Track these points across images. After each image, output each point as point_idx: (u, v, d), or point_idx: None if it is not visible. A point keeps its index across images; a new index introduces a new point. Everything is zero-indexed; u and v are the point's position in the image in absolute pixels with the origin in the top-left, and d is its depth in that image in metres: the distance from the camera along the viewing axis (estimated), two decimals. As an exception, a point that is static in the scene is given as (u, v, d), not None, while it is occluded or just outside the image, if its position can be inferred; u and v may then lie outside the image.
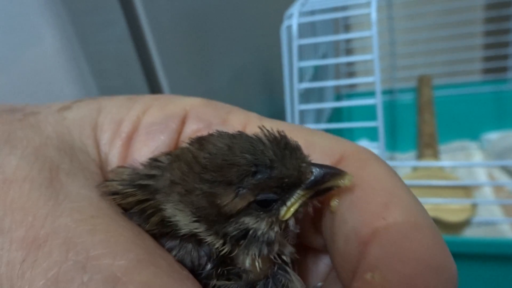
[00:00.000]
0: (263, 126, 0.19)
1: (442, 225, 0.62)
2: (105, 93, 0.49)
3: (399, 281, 0.15)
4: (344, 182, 0.18)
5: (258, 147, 0.18)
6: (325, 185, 0.18)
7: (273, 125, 0.20)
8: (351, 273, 0.17)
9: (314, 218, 0.21)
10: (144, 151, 0.22)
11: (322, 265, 0.22)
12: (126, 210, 0.19)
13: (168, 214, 0.19)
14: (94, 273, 0.15)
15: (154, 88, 0.56)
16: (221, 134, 0.19)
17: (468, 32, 0.99)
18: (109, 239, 0.16)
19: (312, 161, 0.19)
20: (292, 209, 0.19)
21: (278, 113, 0.82)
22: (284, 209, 0.19)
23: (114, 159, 0.22)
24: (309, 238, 0.22)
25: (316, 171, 0.18)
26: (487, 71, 1.06)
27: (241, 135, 0.19)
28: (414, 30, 1.03)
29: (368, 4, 0.51)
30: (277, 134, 0.19)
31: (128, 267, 0.15)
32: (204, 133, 0.21)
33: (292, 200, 0.19)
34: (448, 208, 0.61)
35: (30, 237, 0.16)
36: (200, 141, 0.19)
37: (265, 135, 0.19)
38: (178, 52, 0.60)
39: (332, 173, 0.18)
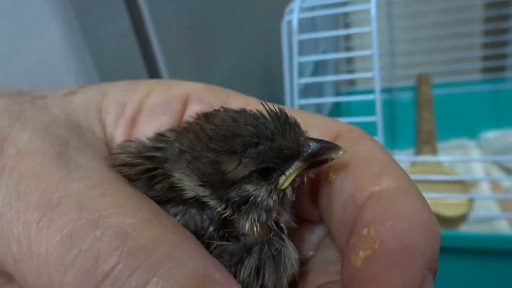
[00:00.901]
0: (265, 102, 0.21)
1: (440, 219, 0.63)
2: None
3: (393, 234, 0.17)
4: (337, 155, 0.20)
5: (260, 121, 0.20)
6: (320, 157, 0.20)
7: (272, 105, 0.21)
8: (346, 235, 0.19)
9: (310, 192, 0.22)
10: (148, 130, 0.23)
11: (314, 236, 0.24)
12: (131, 180, 0.20)
13: (175, 180, 0.20)
14: (106, 229, 0.16)
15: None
16: (226, 110, 0.21)
17: (467, 31, 1.00)
18: (118, 201, 0.17)
19: (309, 136, 0.21)
20: (290, 179, 0.20)
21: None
22: (282, 178, 0.20)
23: (119, 138, 0.23)
24: (305, 210, 0.23)
25: (313, 144, 0.20)
26: (485, 70, 1.06)
27: (244, 111, 0.21)
28: (413, 29, 1.04)
29: (368, 0, 0.52)
30: (278, 111, 0.20)
31: (137, 225, 0.17)
32: None
33: (290, 170, 0.20)
34: (446, 203, 0.61)
35: (45, 200, 0.17)
36: (206, 115, 0.21)
37: (267, 111, 0.20)
38: (180, 47, 0.60)
39: (328, 146, 0.20)
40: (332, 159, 0.20)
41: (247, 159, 0.19)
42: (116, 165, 0.21)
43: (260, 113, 0.20)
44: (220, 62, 0.69)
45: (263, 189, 0.20)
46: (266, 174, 0.20)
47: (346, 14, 1.07)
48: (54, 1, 0.45)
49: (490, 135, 0.98)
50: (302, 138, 0.20)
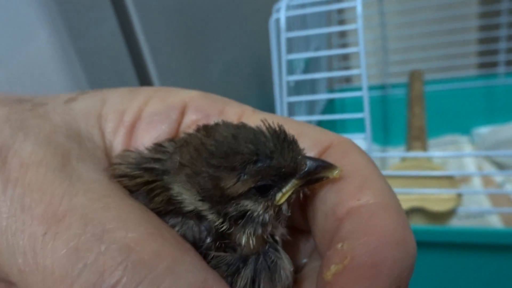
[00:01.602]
0: (265, 119, 0.21)
1: (428, 215, 0.63)
2: (96, 87, 0.49)
3: (364, 250, 0.17)
4: (333, 174, 0.20)
5: (260, 139, 0.20)
6: (316, 175, 0.21)
7: (266, 117, 0.22)
8: (327, 246, 0.19)
9: (301, 204, 0.23)
10: (146, 139, 0.24)
11: (309, 244, 0.24)
12: (131, 191, 0.21)
13: (175, 193, 0.20)
14: (110, 243, 0.17)
15: (144, 83, 0.57)
16: (226, 124, 0.21)
17: (459, 27, 1.00)
18: (121, 215, 0.18)
19: (307, 155, 0.21)
20: (287, 195, 0.21)
21: (269, 106, 0.83)
22: (279, 195, 0.21)
23: (118, 146, 0.24)
24: (297, 220, 0.24)
25: (309, 163, 0.21)
26: (478, 66, 1.07)
27: (244, 126, 0.21)
28: (406, 25, 1.04)
29: (355, -3, 0.52)
30: (277, 128, 0.21)
31: (140, 239, 0.17)
32: (203, 123, 0.23)
33: (287, 187, 0.21)
34: (434, 198, 0.62)
35: (50, 213, 0.17)
36: (207, 129, 0.21)
37: (267, 128, 0.21)
38: (169, 47, 0.60)
39: (324, 166, 0.20)
40: (327, 178, 0.20)
41: (245, 176, 0.20)
42: (116, 176, 0.21)
43: (260, 129, 0.21)
44: (210, 61, 0.69)
45: (261, 205, 0.21)
46: (263, 190, 0.20)
47: (340, 12, 1.07)
48: (42, 3, 0.45)
49: (483, 130, 0.98)
50: (299, 157, 0.21)
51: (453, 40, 1.00)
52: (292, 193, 0.21)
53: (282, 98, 0.58)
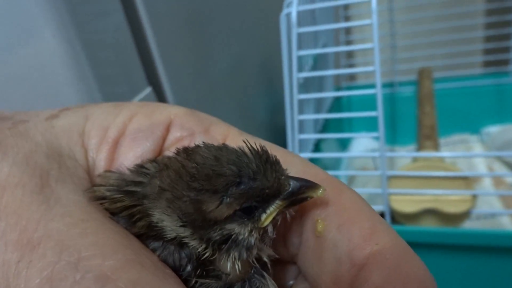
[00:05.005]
0: (247, 140, 0.21)
1: (441, 216, 0.62)
2: (102, 82, 0.48)
3: None
4: (317, 193, 0.20)
5: (242, 160, 0.20)
6: (300, 195, 0.20)
7: (252, 140, 0.21)
8: None
9: (284, 233, 0.22)
10: (130, 156, 0.23)
11: (295, 266, 0.24)
12: (113, 214, 0.20)
13: (155, 219, 0.20)
14: (85, 272, 0.16)
15: (151, 77, 0.55)
16: (207, 146, 0.21)
17: (469, 24, 0.99)
18: (99, 241, 0.17)
19: (289, 174, 0.21)
20: (271, 217, 0.20)
21: (278, 103, 0.82)
22: (264, 216, 0.20)
23: (101, 163, 0.23)
24: (277, 249, 0.23)
25: (293, 183, 0.20)
26: (488, 64, 1.05)
27: (226, 148, 0.21)
28: (414, 22, 1.03)
29: (368, -8, 0.51)
30: (259, 149, 0.20)
31: (117, 267, 0.16)
32: (187, 141, 0.23)
33: (271, 208, 0.20)
34: (448, 199, 0.60)
35: (25, 239, 0.17)
36: (187, 151, 0.21)
37: (249, 149, 0.20)
38: (176, 41, 0.59)
39: (308, 185, 0.20)
40: (312, 197, 0.20)
41: (229, 199, 0.19)
42: (96, 199, 0.20)
43: (242, 150, 0.20)
44: (217, 56, 0.68)
45: (245, 228, 0.20)
46: (247, 213, 0.20)
47: (346, 8, 1.06)
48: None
49: (493, 130, 0.97)
50: (283, 177, 0.20)
51: (462, 37, 0.98)
52: (277, 215, 0.21)
53: (292, 95, 0.56)
